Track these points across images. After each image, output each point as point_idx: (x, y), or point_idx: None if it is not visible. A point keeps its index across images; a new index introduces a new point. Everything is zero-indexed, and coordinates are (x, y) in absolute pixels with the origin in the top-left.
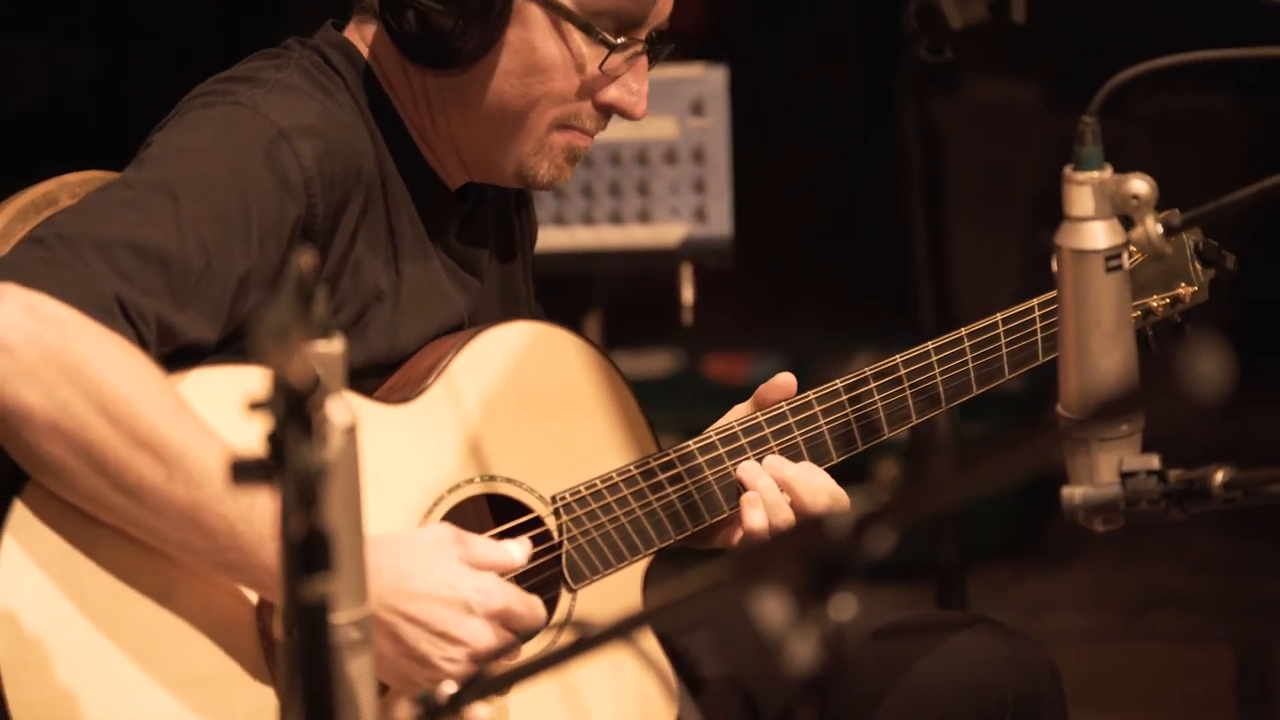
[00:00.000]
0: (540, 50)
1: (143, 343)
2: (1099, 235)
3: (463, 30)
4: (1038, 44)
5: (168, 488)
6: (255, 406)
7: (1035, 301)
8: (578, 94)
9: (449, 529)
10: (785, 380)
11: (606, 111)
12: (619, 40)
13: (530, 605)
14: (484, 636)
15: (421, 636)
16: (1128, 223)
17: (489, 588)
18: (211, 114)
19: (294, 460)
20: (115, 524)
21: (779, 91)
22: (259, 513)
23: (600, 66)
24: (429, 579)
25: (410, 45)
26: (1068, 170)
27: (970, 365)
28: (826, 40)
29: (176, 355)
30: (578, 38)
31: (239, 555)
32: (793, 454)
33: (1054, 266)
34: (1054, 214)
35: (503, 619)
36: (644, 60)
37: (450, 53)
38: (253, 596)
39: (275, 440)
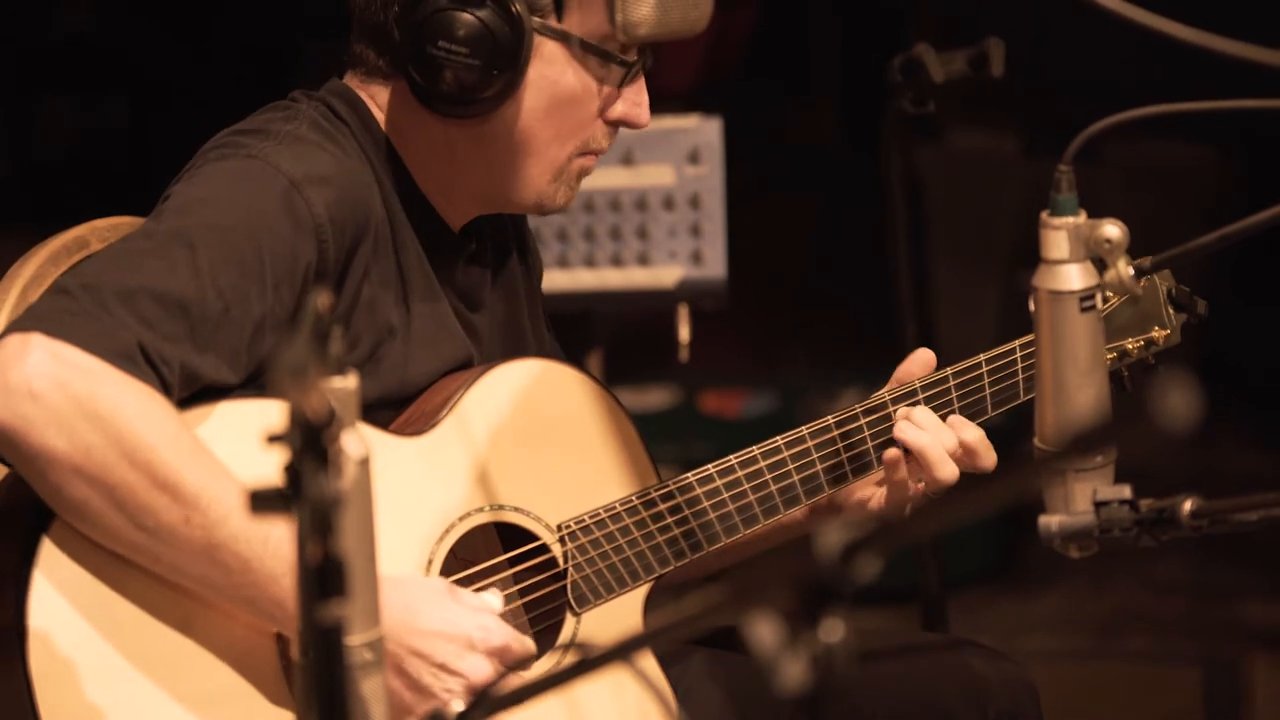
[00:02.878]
0: (561, 83)
1: (165, 387)
2: (1074, 277)
3: (493, 80)
4: (1015, 97)
5: (185, 528)
6: (273, 439)
7: (1017, 343)
8: (594, 117)
9: (441, 581)
10: (925, 356)
11: (616, 126)
12: (632, 59)
13: (523, 643)
14: (482, 671)
15: (424, 669)
16: (1101, 265)
17: (489, 625)
18: (226, 166)
19: (310, 490)
20: (137, 560)
21: (771, 141)
22: (272, 550)
23: (618, 86)
24: (434, 615)
25: (440, 101)
26: (1044, 215)
27: (955, 404)
28: (815, 93)
29: (201, 391)
30: (593, 63)
31: (254, 590)
32: (787, 491)
33: (1031, 306)
34: (1031, 257)
35: (500, 655)
36: (641, 73)
37: (478, 101)
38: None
39: (293, 471)
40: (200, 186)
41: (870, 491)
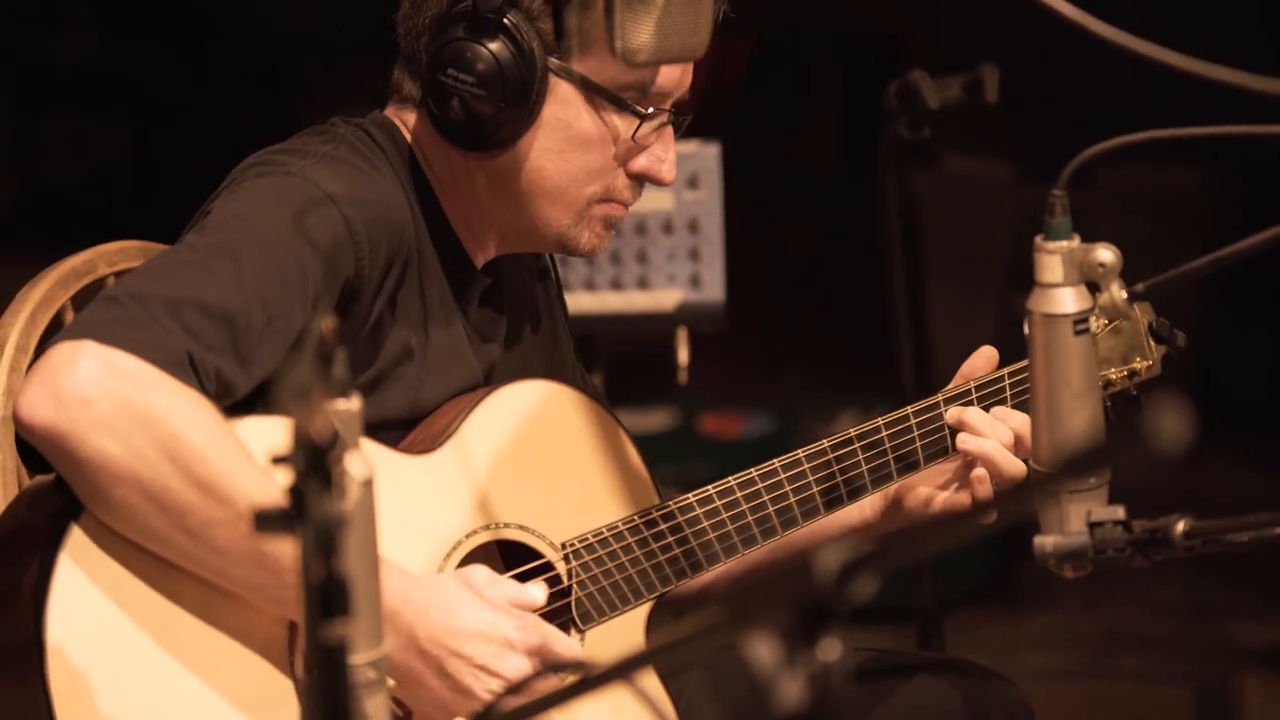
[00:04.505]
0: (575, 126)
1: (208, 396)
2: (1068, 300)
3: (503, 114)
4: (1009, 123)
5: (233, 530)
6: (278, 460)
7: (1005, 370)
8: (612, 165)
9: (484, 570)
10: (989, 353)
11: (639, 180)
12: (649, 110)
13: (565, 642)
14: (522, 671)
15: (466, 670)
16: (1095, 289)
17: (528, 625)
18: (266, 183)
19: (314, 511)
20: (181, 562)
21: (769, 167)
22: None
23: (633, 137)
24: (474, 617)
25: (453, 130)
26: (1038, 240)
27: (947, 429)
28: (812, 119)
29: (230, 406)
30: (610, 110)
31: (296, 591)
32: (785, 513)
33: (1026, 330)
34: (1025, 281)
35: (540, 654)
36: (670, 129)
37: (492, 135)
38: (286, 622)
39: (297, 492)
40: (241, 202)
41: (930, 493)
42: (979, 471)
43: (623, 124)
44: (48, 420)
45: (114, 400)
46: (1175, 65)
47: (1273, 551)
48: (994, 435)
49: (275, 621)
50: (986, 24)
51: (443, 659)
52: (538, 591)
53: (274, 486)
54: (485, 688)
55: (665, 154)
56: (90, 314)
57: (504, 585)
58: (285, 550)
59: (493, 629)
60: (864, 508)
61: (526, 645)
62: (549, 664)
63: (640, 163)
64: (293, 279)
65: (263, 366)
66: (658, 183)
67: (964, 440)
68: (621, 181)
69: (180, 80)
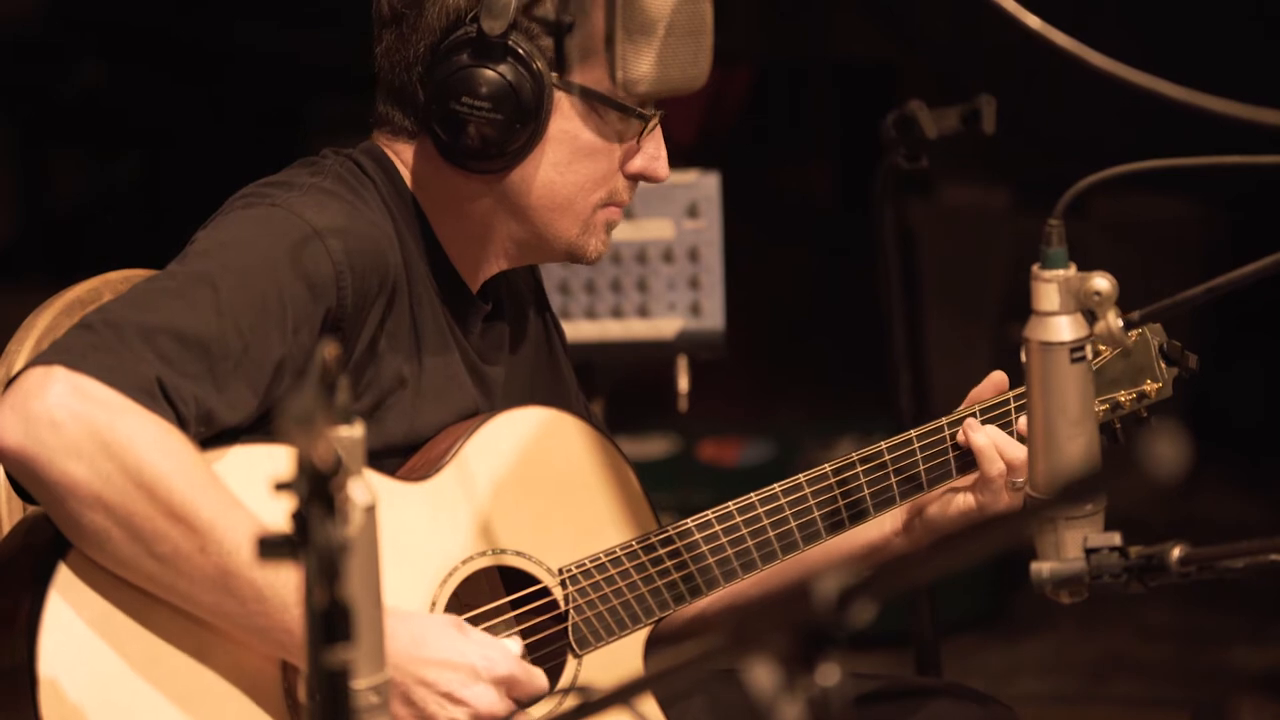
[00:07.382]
0: (581, 137)
1: (181, 422)
2: (1064, 329)
3: (511, 132)
4: (1007, 153)
5: (200, 557)
6: (281, 486)
7: (1010, 394)
8: (614, 170)
9: (451, 617)
10: (998, 378)
11: (635, 180)
12: (649, 113)
13: (531, 674)
14: (488, 699)
15: (430, 698)
16: (1091, 317)
17: (494, 656)
18: (250, 214)
19: (317, 537)
20: (151, 589)
21: (768, 196)
22: (284, 581)
23: (638, 140)
24: (440, 646)
25: (467, 156)
26: (1035, 269)
27: (950, 452)
28: (811, 149)
29: (213, 435)
30: (612, 117)
31: (265, 620)
32: (785, 537)
33: (1023, 357)
34: (1022, 309)
35: (506, 685)
36: (659, 128)
37: (502, 155)
38: (278, 659)
39: (300, 518)
40: (225, 232)
41: (951, 496)
42: (994, 481)
43: (622, 128)
44: (17, 443)
45: (82, 425)
46: (1170, 96)
47: (1267, 577)
48: (992, 439)
49: (266, 658)
50: (984, 55)
51: (408, 686)
52: (513, 644)
53: (240, 512)
54: (450, 716)
55: (658, 151)
56: (64, 340)
57: (475, 634)
58: (252, 578)
59: (460, 657)
60: (884, 522)
61: (493, 674)
62: (521, 698)
63: (637, 164)
64: (272, 307)
65: (240, 395)
66: (655, 180)
67: (967, 426)
68: (621, 184)
69: (185, 110)
